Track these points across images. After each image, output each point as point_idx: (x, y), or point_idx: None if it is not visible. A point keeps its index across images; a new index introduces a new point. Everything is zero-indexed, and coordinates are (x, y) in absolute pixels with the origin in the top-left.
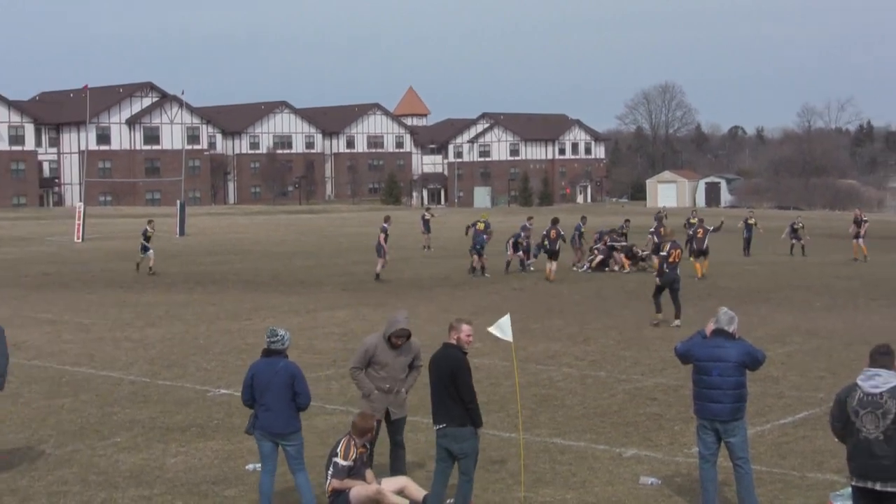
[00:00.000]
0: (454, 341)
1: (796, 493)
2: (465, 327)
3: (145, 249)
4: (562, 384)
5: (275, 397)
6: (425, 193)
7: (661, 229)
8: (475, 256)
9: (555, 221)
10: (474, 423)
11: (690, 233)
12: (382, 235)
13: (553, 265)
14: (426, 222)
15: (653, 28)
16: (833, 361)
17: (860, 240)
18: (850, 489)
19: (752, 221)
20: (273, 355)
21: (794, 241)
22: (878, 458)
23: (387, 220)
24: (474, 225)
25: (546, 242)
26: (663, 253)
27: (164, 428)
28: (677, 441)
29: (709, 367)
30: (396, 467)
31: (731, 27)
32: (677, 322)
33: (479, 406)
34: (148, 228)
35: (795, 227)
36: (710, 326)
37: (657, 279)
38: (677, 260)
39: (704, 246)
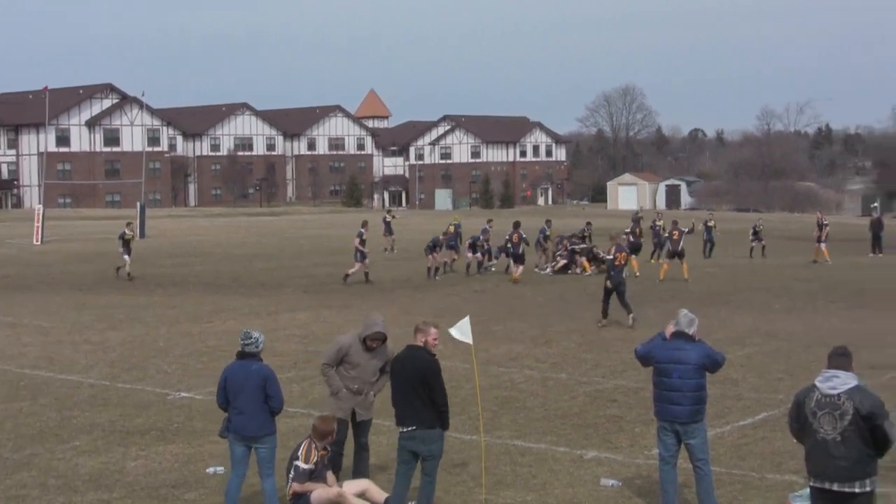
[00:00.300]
0: (421, 343)
1: (756, 494)
2: (433, 330)
3: (127, 252)
4: (523, 386)
5: (248, 400)
6: (386, 196)
7: (638, 230)
8: (431, 256)
9: (516, 225)
10: (444, 426)
11: (665, 235)
12: (357, 240)
13: (518, 268)
14: (388, 224)
15: (613, 31)
16: (792, 363)
17: (822, 244)
18: (808, 490)
19: (711, 223)
20: (246, 358)
21: (754, 243)
22: (835, 459)
23: (364, 224)
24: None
25: (509, 246)
26: (609, 256)
27: (124, 431)
28: (637, 443)
29: (669, 369)
30: (359, 470)
31: (692, 30)
32: (631, 318)
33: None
34: (126, 231)
35: (757, 229)
36: (670, 328)
37: (607, 282)
38: (622, 263)
39: (680, 248)
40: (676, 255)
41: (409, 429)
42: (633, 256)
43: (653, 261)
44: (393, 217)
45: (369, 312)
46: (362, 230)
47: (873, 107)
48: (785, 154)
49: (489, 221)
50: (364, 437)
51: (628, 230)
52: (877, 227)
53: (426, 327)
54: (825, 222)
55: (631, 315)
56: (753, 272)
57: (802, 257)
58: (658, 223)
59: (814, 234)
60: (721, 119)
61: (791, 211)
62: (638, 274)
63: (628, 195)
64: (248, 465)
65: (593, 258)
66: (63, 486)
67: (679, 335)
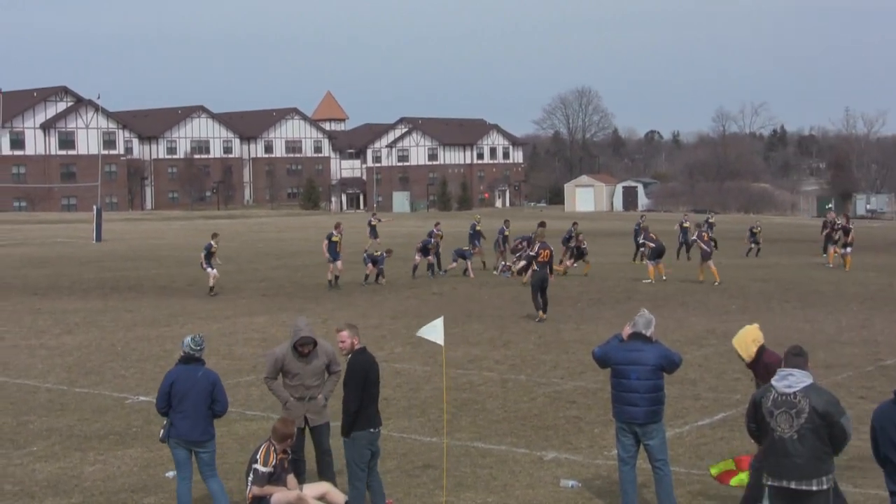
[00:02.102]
0: (362, 346)
1: (715, 494)
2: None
3: (209, 266)
4: (482, 388)
5: (193, 405)
6: (344, 198)
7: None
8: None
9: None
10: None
11: (694, 237)
12: (325, 242)
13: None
14: (373, 228)
15: (569, 33)
16: None
17: (838, 245)
18: (766, 489)
19: (686, 225)
20: (192, 362)
21: (752, 244)
22: (792, 458)
23: (336, 226)
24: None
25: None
26: (532, 253)
27: (82, 436)
28: (597, 444)
29: (626, 370)
30: (324, 473)
31: (648, 32)
32: (543, 316)
33: None
34: (212, 243)
35: (754, 231)
36: (628, 330)
37: (531, 279)
38: (546, 259)
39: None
40: (709, 256)
41: (378, 429)
42: (658, 262)
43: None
44: (379, 220)
45: (295, 318)
46: (332, 231)
47: (827, 109)
48: (740, 155)
49: (437, 224)
50: (324, 442)
51: (642, 237)
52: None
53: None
54: (839, 224)
55: (544, 314)
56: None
57: (758, 258)
58: (642, 224)
59: (823, 234)
60: (677, 121)
61: (746, 212)
62: (665, 278)
63: (585, 197)
64: (192, 467)
65: (580, 255)
66: (20, 492)
67: (636, 336)
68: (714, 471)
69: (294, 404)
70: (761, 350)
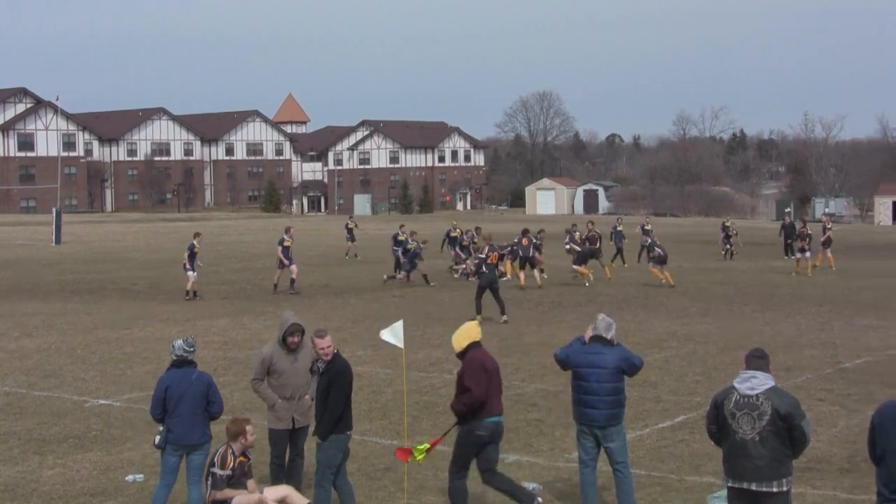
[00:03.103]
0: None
1: (675, 496)
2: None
3: (192, 268)
4: (444, 391)
5: (189, 408)
6: (305, 201)
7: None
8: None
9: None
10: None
11: (652, 240)
12: (279, 248)
13: (536, 273)
14: (350, 231)
15: (530, 37)
16: (708, 366)
17: (827, 250)
18: (726, 491)
19: (648, 227)
20: (185, 366)
21: (727, 245)
22: (753, 459)
23: (287, 230)
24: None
25: (517, 249)
26: (481, 255)
27: (41, 440)
28: (558, 446)
29: (587, 373)
30: (292, 476)
31: (609, 36)
32: (504, 318)
33: None
34: (195, 244)
35: (729, 233)
36: (589, 333)
37: (479, 279)
38: (494, 262)
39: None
40: (664, 260)
41: (350, 432)
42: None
43: (624, 265)
44: (355, 224)
45: (282, 314)
46: (284, 236)
47: (786, 113)
48: (700, 159)
49: (402, 226)
50: (301, 444)
51: (646, 242)
52: (789, 230)
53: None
54: (829, 225)
55: (504, 315)
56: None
57: (717, 261)
58: (619, 227)
59: (821, 239)
60: (638, 124)
61: (706, 215)
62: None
63: (546, 200)
64: (178, 474)
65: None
66: None
67: (597, 339)
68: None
69: (282, 406)
70: (472, 346)
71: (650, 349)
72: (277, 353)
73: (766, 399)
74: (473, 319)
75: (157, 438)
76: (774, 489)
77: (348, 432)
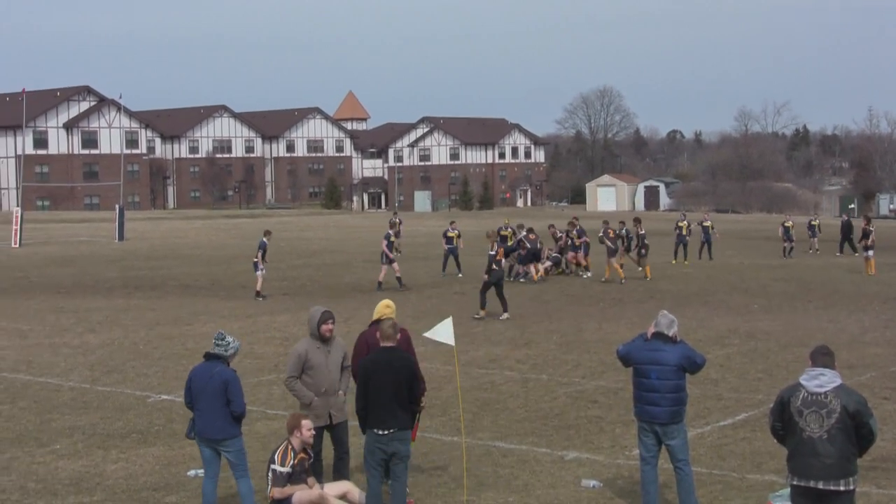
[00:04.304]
0: (393, 344)
1: (736, 495)
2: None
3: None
4: (503, 388)
5: (208, 403)
6: (366, 198)
7: (611, 231)
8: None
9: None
10: (411, 426)
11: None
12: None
13: (541, 268)
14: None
15: (591, 33)
16: (770, 363)
17: (869, 252)
18: (788, 490)
19: (707, 223)
20: (212, 359)
21: (786, 243)
22: (821, 458)
23: (266, 234)
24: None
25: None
26: (491, 252)
27: (104, 434)
28: (618, 443)
29: (648, 370)
30: (339, 471)
31: (670, 31)
32: (506, 315)
33: None
34: (265, 241)
35: (788, 227)
36: (651, 330)
37: (486, 276)
38: (502, 257)
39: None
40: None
41: (390, 431)
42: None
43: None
44: (399, 221)
45: (310, 309)
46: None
47: (850, 108)
48: (762, 155)
49: (452, 223)
50: (343, 440)
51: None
52: (846, 229)
53: (395, 331)
54: (871, 228)
55: (506, 313)
56: (730, 273)
57: (779, 259)
58: (706, 223)
59: (860, 243)
60: (699, 120)
61: (769, 212)
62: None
63: (607, 196)
64: (219, 465)
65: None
66: (43, 489)
67: (659, 336)
68: None
69: (319, 402)
70: (374, 322)
71: (711, 346)
72: (312, 349)
73: (835, 397)
74: (487, 313)
75: (187, 428)
76: (841, 488)
77: (374, 429)
